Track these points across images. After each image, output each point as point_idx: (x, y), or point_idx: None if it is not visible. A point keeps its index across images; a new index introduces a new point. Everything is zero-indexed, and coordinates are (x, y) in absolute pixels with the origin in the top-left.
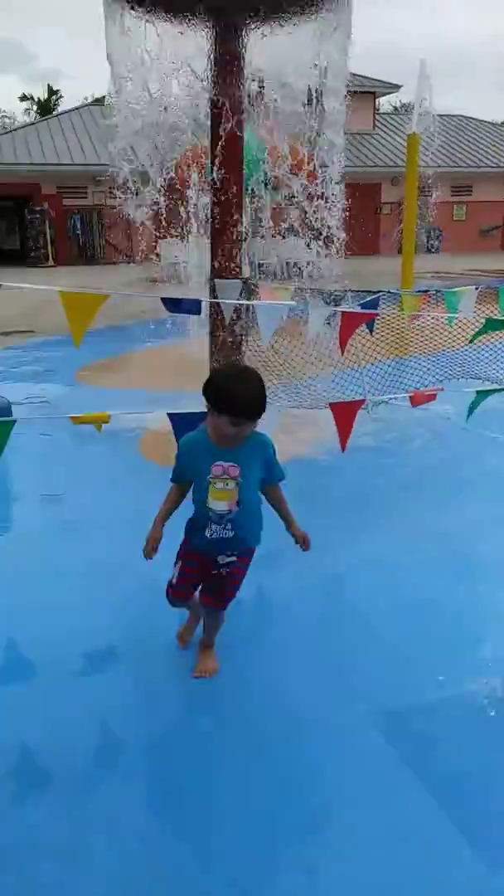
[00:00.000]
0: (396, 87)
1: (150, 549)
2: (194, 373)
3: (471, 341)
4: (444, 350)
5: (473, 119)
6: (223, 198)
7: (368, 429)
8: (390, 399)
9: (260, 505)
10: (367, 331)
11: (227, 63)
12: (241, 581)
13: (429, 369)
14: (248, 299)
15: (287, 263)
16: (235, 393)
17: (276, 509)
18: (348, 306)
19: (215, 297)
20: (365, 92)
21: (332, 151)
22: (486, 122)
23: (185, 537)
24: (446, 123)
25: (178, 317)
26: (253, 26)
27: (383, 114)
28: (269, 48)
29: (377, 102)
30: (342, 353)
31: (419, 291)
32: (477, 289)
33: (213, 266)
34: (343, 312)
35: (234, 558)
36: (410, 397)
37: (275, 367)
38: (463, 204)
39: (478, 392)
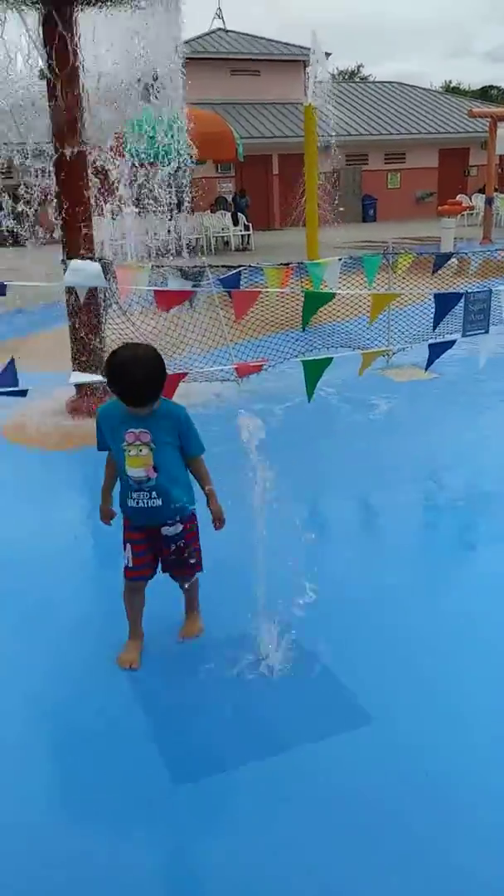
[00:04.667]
0: (325, 55)
1: (105, 519)
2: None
3: (303, 326)
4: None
5: (407, 85)
6: (68, 178)
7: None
8: (220, 369)
9: (185, 470)
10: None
11: (58, 42)
12: (199, 547)
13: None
14: (105, 278)
15: (215, 238)
16: (122, 380)
17: (199, 483)
18: (206, 283)
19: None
20: (293, 61)
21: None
22: (419, 88)
23: (122, 512)
24: (380, 91)
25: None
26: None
27: (317, 83)
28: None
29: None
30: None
31: (281, 265)
32: (340, 260)
33: (64, 246)
34: (156, 292)
35: (179, 527)
36: (236, 368)
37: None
38: (397, 172)
39: (304, 363)
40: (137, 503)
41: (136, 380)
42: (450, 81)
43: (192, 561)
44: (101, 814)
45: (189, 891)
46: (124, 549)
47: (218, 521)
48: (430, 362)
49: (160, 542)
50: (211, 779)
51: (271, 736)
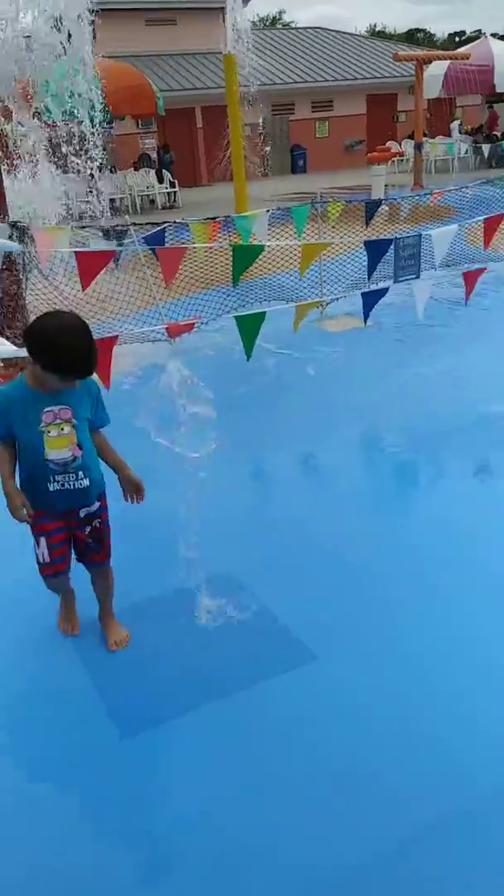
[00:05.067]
0: (243, 1)
1: (25, 514)
2: None
3: (234, 281)
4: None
5: (331, 31)
6: None
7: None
8: (150, 330)
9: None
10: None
11: None
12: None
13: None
14: (21, 242)
15: (140, 197)
16: (67, 353)
17: (104, 456)
18: (130, 241)
19: None
20: (210, 8)
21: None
22: (343, 32)
23: (33, 502)
24: (303, 37)
25: None
26: None
27: (237, 31)
28: None
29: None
30: (83, 289)
31: (207, 219)
32: (268, 212)
33: None
34: (77, 254)
35: (96, 505)
36: (167, 328)
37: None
38: (325, 120)
39: (236, 318)
40: (63, 486)
41: (84, 349)
42: (375, 25)
43: (108, 541)
44: (50, 771)
45: (140, 841)
46: (36, 544)
47: (138, 492)
48: (366, 313)
49: (76, 525)
50: (157, 731)
51: (216, 685)
